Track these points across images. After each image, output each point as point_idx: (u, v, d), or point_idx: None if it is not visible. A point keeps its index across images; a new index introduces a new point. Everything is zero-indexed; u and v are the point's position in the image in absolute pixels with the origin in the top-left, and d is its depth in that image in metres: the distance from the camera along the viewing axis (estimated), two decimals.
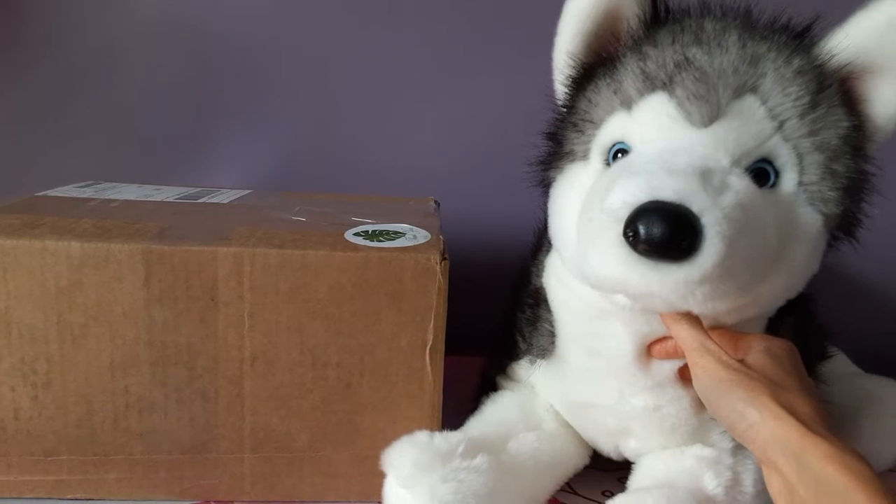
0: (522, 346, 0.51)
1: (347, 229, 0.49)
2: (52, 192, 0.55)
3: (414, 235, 0.49)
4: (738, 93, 0.37)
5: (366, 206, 0.57)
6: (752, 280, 0.36)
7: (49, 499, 0.46)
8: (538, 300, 0.49)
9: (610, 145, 0.41)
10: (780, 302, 0.40)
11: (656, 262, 0.33)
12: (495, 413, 0.51)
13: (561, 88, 0.45)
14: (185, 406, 0.45)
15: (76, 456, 0.46)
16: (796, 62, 0.38)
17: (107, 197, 0.55)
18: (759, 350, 0.38)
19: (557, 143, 0.44)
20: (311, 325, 0.45)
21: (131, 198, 0.55)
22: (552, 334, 0.48)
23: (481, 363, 0.56)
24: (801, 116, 0.37)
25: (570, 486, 0.50)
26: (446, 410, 0.48)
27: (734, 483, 0.43)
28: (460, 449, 0.42)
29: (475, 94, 0.73)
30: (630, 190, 0.34)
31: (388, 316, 0.45)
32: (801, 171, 0.38)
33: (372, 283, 0.45)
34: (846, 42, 0.38)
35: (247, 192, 0.62)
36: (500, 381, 0.54)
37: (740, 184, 0.36)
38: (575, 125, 0.43)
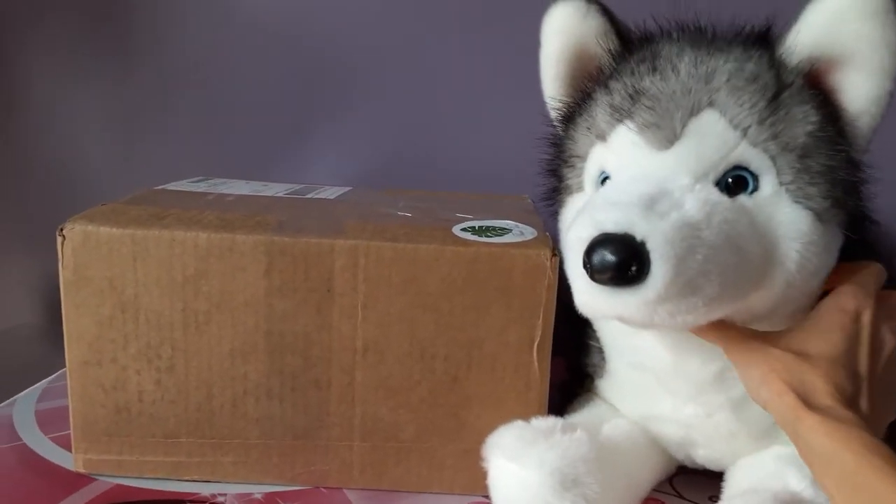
0: (580, 365, 0.52)
1: (454, 225, 0.49)
2: (169, 187, 0.58)
3: (521, 231, 0.49)
4: (695, 111, 0.38)
5: (465, 202, 0.58)
6: (725, 291, 0.36)
7: (168, 479, 0.48)
8: (584, 320, 0.48)
9: (597, 175, 0.43)
10: (782, 300, 0.40)
11: (613, 288, 0.35)
12: (585, 406, 0.51)
13: (551, 127, 0.48)
14: (300, 394, 0.47)
15: (195, 439, 0.48)
16: (749, 68, 0.39)
17: (221, 192, 0.57)
18: (799, 325, 0.39)
19: (557, 178, 0.47)
20: (421, 318, 0.46)
21: (244, 193, 0.57)
22: (601, 352, 0.49)
23: (563, 373, 0.55)
24: (761, 122, 0.38)
25: (674, 489, 0.50)
26: (551, 409, 0.48)
27: None
28: (559, 426, 0.44)
29: None
30: (581, 226, 0.37)
31: (497, 311, 0.46)
32: (778, 172, 0.38)
33: (481, 277, 0.45)
34: (799, 39, 0.39)
35: (348, 188, 0.63)
36: (578, 393, 0.53)
37: (699, 197, 0.37)
38: (566, 161, 0.46)
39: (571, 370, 0.54)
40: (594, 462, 0.42)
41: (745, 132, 0.38)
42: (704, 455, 0.47)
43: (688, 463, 0.49)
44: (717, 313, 0.38)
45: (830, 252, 0.40)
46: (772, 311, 0.40)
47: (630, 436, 0.48)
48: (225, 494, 0.47)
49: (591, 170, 0.44)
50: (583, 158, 0.44)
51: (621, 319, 0.37)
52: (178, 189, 0.57)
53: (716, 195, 0.38)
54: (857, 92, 0.39)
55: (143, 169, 0.77)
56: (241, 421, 0.47)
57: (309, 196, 0.58)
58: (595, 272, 0.35)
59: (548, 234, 0.48)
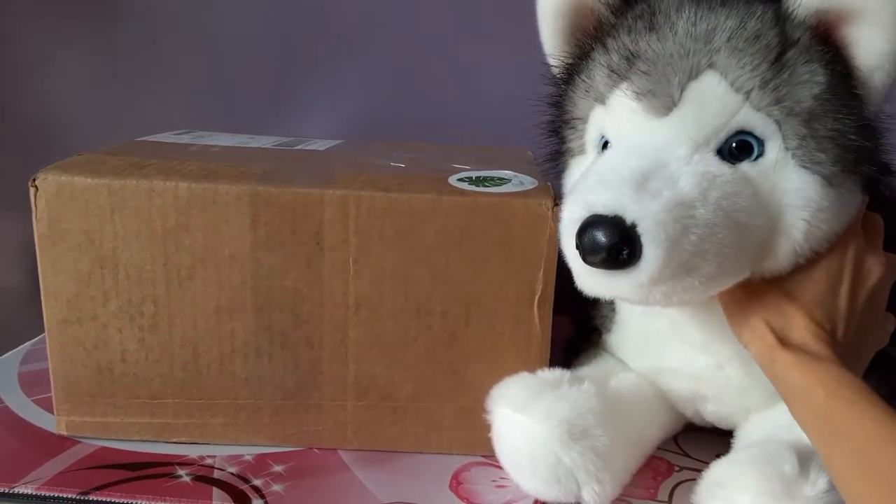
0: (588, 318, 0.51)
1: (450, 175, 0.47)
2: (150, 138, 0.55)
3: (520, 182, 0.46)
4: (694, 74, 0.36)
5: (462, 154, 0.55)
6: (724, 268, 0.35)
7: (155, 441, 0.46)
8: None
9: (598, 138, 0.41)
10: (791, 265, 0.38)
11: (605, 271, 0.35)
12: (592, 360, 0.50)
13: (552, 87, 0.45)
14: (290, 352, 0.45)
15: (182, 399, 0.46)
16: (750, 26, 0.36)
17: (205, 143, 0.55)
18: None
19: (559, 140, 0.45)
20: (416, 273, 0.44)
21: (229, 144, 0.55)
22: (611, 304, 0.48)
23: (569, 330, 0.54)
24: (763, 85, 0.36)
25: (680, 447, 0.48)
26: (555, 366, 0.45)
27: None
28: (566, 378, 0.43)
29: None
30: (572, 208, 0.36)
31: (496, 264, 0.44)
32: (784, 137, 0.36)
33: (479, 229, 0.43)
34: None
35: (339, 141, 0.60)
36: (584, 349, 0.52)
37: (696, 171, 0.35)
38: (567, 123, 0.44)
39: (577, 324, 0.53)
40: (603, 414, 0.41)
41: (747, 95, 0.36)
42: (714, 411, 0.46)
43: (696, 420, 0.48)
44: (719, 288, 0.37)
45: (844, 214, 0.38)
46: (781, 271, 0.39)
47: (638, 390, 0.47)
48: (214, 456, 0.45)
49: (592, 133, 0.42)
50: (584, 121, 0.42)
51: (618, 299, 0.37)
52: (161, 140, 0.54)
53: (715, 166, 0.36)
54: (869, 47, 0.36)
55: (127, 123, 0.74)
56: (230, 380, 0.45)
57: (298, 148, 0.55)
58: (586, 254, 0.35)
59: (549, 183, 0.46)
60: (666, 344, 0.45)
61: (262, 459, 0.45)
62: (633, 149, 0.37)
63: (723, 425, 0.47)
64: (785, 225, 0.36)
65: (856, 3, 0.35)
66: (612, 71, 0.39)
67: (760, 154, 0.37)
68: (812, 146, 0.36)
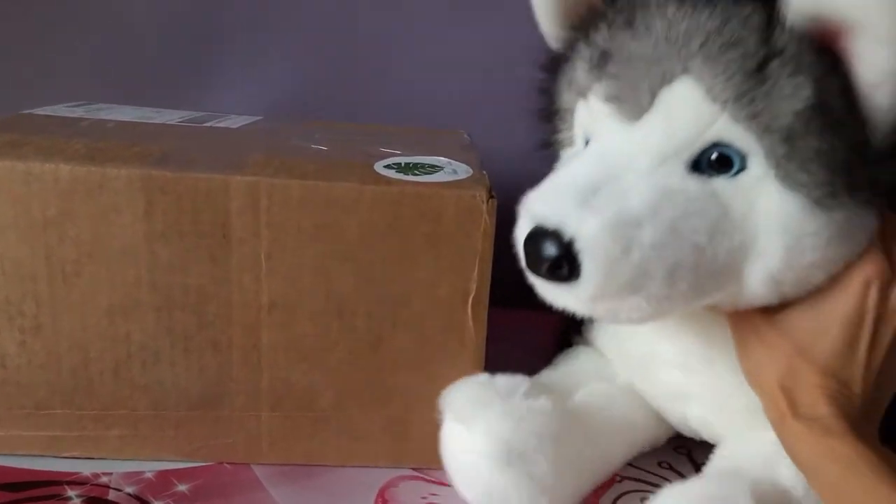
0: None
1: (377, 161, 0.43)
2: (38, 111, 0.49)
3: (454, 170, 0.43)
4: (668, 79, 0.33)
5: (392, 136, 0.51)
6: (677, 289, 0.33)
7: (43, 456, 0.41)
8: None
9: (584, 134, 0.39)
10: (774, 293, 0.35)
11: (550, 283, 0.34)
12: (566, 363, 0.47)
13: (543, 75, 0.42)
14: (194, 356, 0.40)
15: (72, 410, 0.41)
16: (729, 30, 0.32)
17: (100, 118, 0.49)
18: (812, 296, 0.35)
19: (552, 129, 0.42)
20: (337, 270, 0.40)
21: (128, 119, 0.49)
22: None
23: (557, 322, 0.51)
24: (738, 98, 0.32)
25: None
26: (489, 369, 0.42)
27: None
28: (522, 389, 0.41)
29: (509, 13, 0.65)
30: (521, 217, 0.35)
31: (426, 261, 0.40)
32: (765, 153, 0.33)
33: (407, 222, 0.39)
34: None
35: (257, 118, 0.55)
36: (577, 340, 0.50)
37: (654, 185, 0.33)
38: (557, 113, 0.42)
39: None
40: (550, 438, 0.39)
41: (724, 106, 0.32)
42: (699, 416, 0.43)
43: (682, 428, 0.45)
44: (679, 308, 0.35)
45: (846, 240, 0.34)
46: (776, 299, 0.36)
47: (606, 406, 0.44)
48: (110, 473, 0.41)
49: (577, 126, 0.40)
50: (571, 112, 0.40)
51: (567, 311, 0.35)
52: (50, 114, 0.48)
53: (679, 181, 0.33)
54: (870, 62, 0.32)
55: (18, 93, 0.66)
56: (127, 389, 0.41)
57: (207, 125, 0.50)
58: (529, 265, 0.34)
59: (485, 172, 0.42)
60: (659, 329, 0.43)
61: (164, 477, 0.41)
62: (598, 155, 0.35)
63: (706, 435, 0.44)
64: (760, 249, 0.33)
65: (851, 13, 0.31)
66: (592, 66, 0.36)
67: (742, 169, 0.33)
68: (793, 166, 0.32)
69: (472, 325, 0.41)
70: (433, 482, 0.43)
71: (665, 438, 0.47)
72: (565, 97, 0.40)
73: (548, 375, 0.46)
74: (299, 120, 0.56)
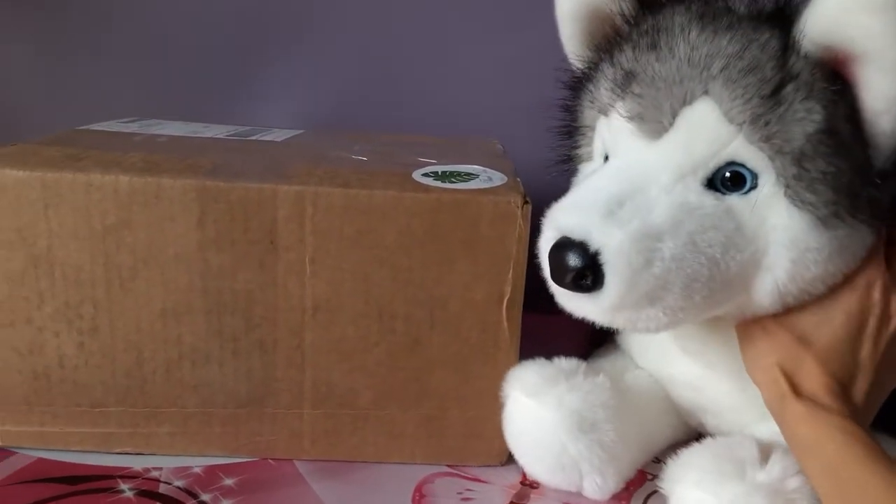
0: None
1: (415, 170, 0.44)
2: (93, 127, 0.51)
3: (489, 177, 0.44)
4: (689, 100, 0.35)
5: (428, 146, 0.53)
6: (691, 301, 0.34)
7: (97, 452, 0.43)
8: None
9: (602, 149, 0.41)
10: (776, 306, 0.36)
11: (572, 293, 0.35)
12: (608, 353, 0.49)
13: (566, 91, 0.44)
14: (242, 357, 0.42)
15: (125, 408, 0.43)
16: (749, 55, 0.34)
17: (153, 132, 0.51)
18: (813, 305, 0.37)
19: (571, 144, 0.44)
20: (377, 274, 0.41)
21: (179, 134, 0.51)
22: None
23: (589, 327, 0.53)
24: (754, 120, 0.34)
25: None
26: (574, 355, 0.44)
27: None
28: (582, 368, 0.43)
29: (540, 28, 0.67)
30: (547, 227, 0.36)
31: (462, 265, 0.41)
32: (776, 173, 0.34)
33: (445, 228, 0.41)
34: (810, 26, 0.33)
35: (299, 131, 0.57)
36: (607, 341, 0.51)
37: (674, 201, 0.34)
38: (578, 129, 0.43)
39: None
40: (614, 409, 0.41)
41: (740, 127, 0.34)
42: (714, 424, 0.45)
43: (702, 430, 0.47)
44: (692, 319, 0.37)
45: (845, 255, 0.36)
46: (779, 309, 0.37)
47: (651, 389, 0.46)
48: (160, 468, 0.43)
49: (597, 142, 0.41)
50: (592, 129, 0.41)
51: (586, 318, 0.36)
52: (105, 129, 0.51)
53: (697, 196, 0.35)
54: (875, 90, 0.33)
55: (75, 110, 0.69)
56: (177, 388, 0.42)
57: (253, 138, 0.52)
58: (553, 275, 0.35)
59: (519, 180, 0.44)
60: (668, 352, 0.45)
61: (211, 471, 0.43)
62: (620, 170, 0.37)
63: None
64: (769, 262, 0.35)
65: (859, 43, 0.33)
66: (616, 85, 0.37)
67: (753, 187, 0.35)
68: (802, 186, 0.34)
69: (507, 326, 0.43)
70: (468, 479, 0.44)
71: (696, 431, 0.48)
72: (587, 114, 0.41)
73: (595, 362, 0.48)
74: (340, 132, 0.58)
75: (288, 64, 0.68)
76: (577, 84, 0.42)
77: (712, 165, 0.35)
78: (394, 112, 0.69)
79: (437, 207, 0.41)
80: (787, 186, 0.34)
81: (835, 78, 0.34)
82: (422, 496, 0.42)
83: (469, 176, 0.44)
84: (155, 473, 0.42)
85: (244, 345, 0.42)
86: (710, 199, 0.35)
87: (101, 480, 0.41)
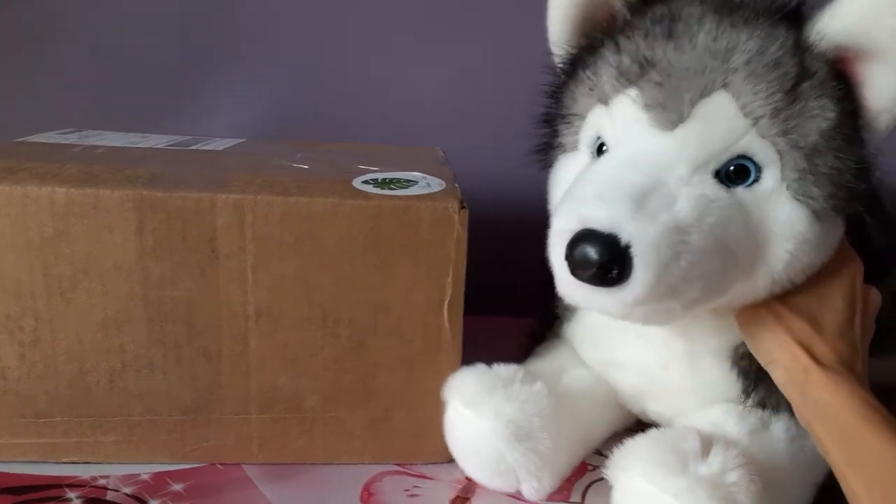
0: (552, 306, 0.51)
1: (355, 177, 0.45)
2: (31, 139, 0.51)
3: (427, 184, 0.45)
4: (707, 92, 0.35)
5: (370, 154, 0.54)
6: (706, 294, 0.35)
7: (44, 462, 0.43)
8: None
9: (594, 139, 0.40)
10: (765, 295, 0.39)
11: (591, 286, 0.34)
12: (548, 353, 0.51)
13: (552, 77, 0.43)
14: (186, 365, 0.42)
15: (70, 417, 0.43)
16: (771, 51, 0.35)
17: (91, 143, 0.51)
18: (812, 281, 0.39)
19: (551, 132, 0.43)
20: (319, 280, 0.42)
21: (118, 144, 0.51)
22: None
23: (532, 322, 0.55)
24: (774, 115, 0.35)
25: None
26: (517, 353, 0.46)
27: (761, 427, 0.42)
28: (519, 375, 0.44)
29: (485, 35, 0.68)
30: (566, 218, 0.35)
31: (403, 270, 0.42)
32: (783, 168, 0.36)
33: (385, 234, 0.42)
34: (833, 24, 0.35)
35: (241, 140, 0.57)
36: (548, 336, 0.53)
37: (693, 193, 0.34)
38: (563, 117, 0.42)
39: (542, 314, 0.53)
40: (550, 417, 0.43)
41: (755, 121, 0.35)
42: (657, 411, 0.47)
43: (643, 418, 0.49)
44: (696, 311, 0.37)
45: (826, 247, 0.38)
46: (766, 297, 0.39)
47: (589, 389, 0.48)
48: (108, 476, 0.43)
49: (588, 131, 0.40)
50: (581, 117, 0.41)
51: (597, 312, 0.36)
52: (42, 141, 0.50)
53: (712, 189, 0.35)
54: (882, 89, 0.36)
55: (13, 122, 0.68)
56: (121, 396, 0.43)
57: (193, 148, 0.52)
58: (575, 268, 0.34)
59: (457, 185, 0.45)
60: (619, 338, 0.46)
61: (159, 478, 0.43)
62: (633, 161, 0.36)
63: (664, 425, 0.47)
64: (768, 254, 0.36)
65: (879, 42, 0.34)
66: (622, 73, 0.37)
67: (756, 180, 0.36)
68: (809, 181, 0.36)
69: (449, 327, 0.44)
70: (415, 476, 0.45)
71: (634, 420, 0.50)
72: (581, 102, 0.40)
73: (533, 364, 0.49)
74: (283, 141, 0.59)
75: (232, 73, 0.68)
76: (569, 70, 0.42)
77: (724, 158, 0.36)
78: (339, 121, 0.69)
79: (376, 214, 0.41)
80: (795, 181, 0.36)
81: (841, 77, 0.36)
82: (370, 494, 0.43)
83: (409, 183, 0.45)
84: (102, 481, 0.42)
85: (187, 352, 0.42)
86: (722, 192, 0.35)
87: (49, 490, 0.41)
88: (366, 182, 0.44)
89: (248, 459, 0.45)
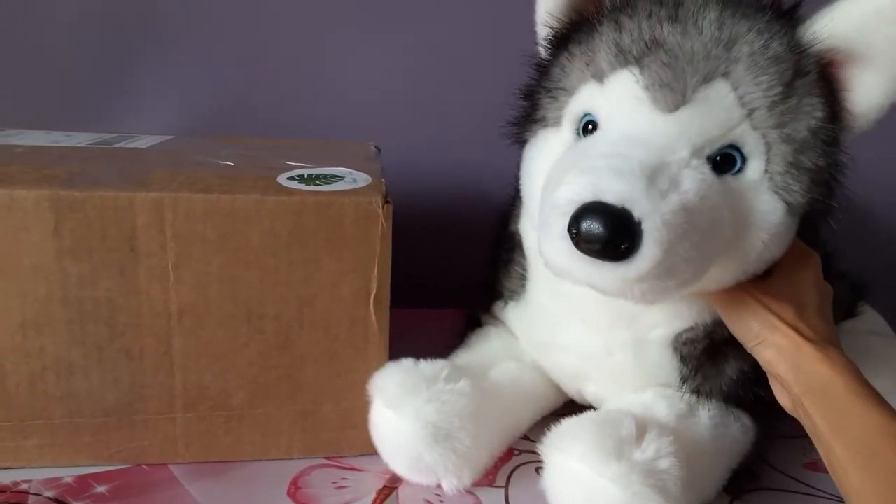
0: (498, 287, 0.52)
1: (281, 173, 0.45)
2: None
3: (353, 179, 0.46)
4: (708, 78, 0.36)
5: (300, 150, 0.54)
6: (696, 276, 0.36)
7: None
8: (513, 245, 0.50)
9: (581, 116, 0.40)
10: (731, 283, 0.40)
11: (595, 259, 0.34)
12: (479, 344, 0.52)
13: (539, 49, 0.43)
14: (108, 366, 0.42)
15: None
16: (773, 46, 0.36)
17: (10, 142, 0.50)
18: (784, 273, 0.41)
19: (532, 105, 0.43)
20: (244, 276, 0.42)
21: (38, 143, 0.50)
22: (523, 277, 0.50)
23: (469, 305, 0.56)
24: (771, 107, 0.36)
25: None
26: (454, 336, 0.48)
27: (689, 413, 0.44)
28: (444, 374, 0.44)
29: (418, 27, 0.69)
30: (576, 188, 0.34)
31: (328, 264, 0.43)
32: (768, 160, 0.37)
33: (309, 229, 0.42)
34: (830, 27, 0.37)
35: (168, 137, 0.57)
36: (485, 319, 0.54)
37: (695, 176, 0.35)
38: (548, 90, 0.42)
39: (483, 294, 0.54)
40: (470, 416, 0.44)
41: (751, 113, 0.36)
42: (594, 392, 0.48)
43: (577, 398, 0.50)
44: (681, 293, 0.38)
45: (788, 240, 0.39)
46: (731, 284, 0.40)
47: (516, 381, 0.49)
48: (30, 481, 0.42)
49: (574, 108, 0.40)
50: (569, 93, 0.40)
51: (592, 287, 0.36)
52: None
53: (708, 174, 0.36)
54: (865, 94, 0.37)
55: None
56: (42, 400, 0.42)
57: (117, 146, 0.52)
58: (581, 240, 0.33)
59: (383, 180, 0.46)
60: (563, 322, 0.47)
61: (83, 480, 0.42)
62: (634, 139, 0.36)
63: (598, 405, 0.49)
64: (744, 243, 0.37)
65: (873, 49, 0.36)
66: (621, 50, 0.37)
67: (740, 170, 0.37)
68: (793, 175, 0.37)
69: (375, 320, 0.44)
70: (344, 468, 0.46)
71: (562, 403, 0.52)
72: (573, 77, 0.40)
73: (464, 356, 0.50)
74: (211, 137, 0.58)
75: (162, 68, 0.67)
76: (559, 44, 0.42)
77: (717, 145, 0.36)
78: (270, 115, 0.69)
79: (300, 209, 0.42)
80: (780, 174, 0.37)
81: (826, 78, 0.37)
82: (297, 488, 0.44)
83: (334, 178, 0.46)
84: (24, 486, 0.42)
85: (109, 353, 0.42)
86: (714, 178, 0.36)
87: None
88: (291, 178, 0.44)
89: (174, 459, 0.45)
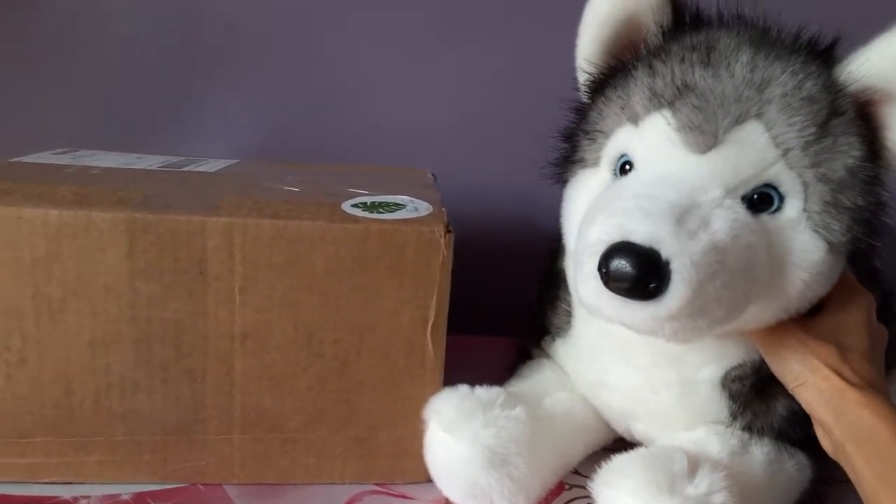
0: (545, 322, 0.52)
1: (344, 200, 0.46)
2: (26, 159, 0.52)
3: (415, 207, 0.46)
4: (741, 120, 0.36)
5: (360, 176, 0.55)
6: (730, 315, 0.36)
7: (24, 483, 0.43)
8: (558, 281, 0.50)
9: (617, 157, 0.41)
10: (772, 321, 0.40)
11: (624, 298, 0.34)
12: (531, 375, 0.52)
13: (578, 93, 0.45)
14: (171, 386, 0.43)
15: (53, 438, 0.43)
16: (807, 87, 0.37)
17: (86, 164, 0.51)
18: (831, 311, 0.41)
19: (572, 147, 0.44)
20: (306, 301, 0.43)
21: (112, 165, 0.52)
22: (569, 314, 0.49)
23: (518, 338, 0.56)
24: (805, 147, 0.36)
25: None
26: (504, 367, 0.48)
27: (742, 450, 0.43)
28: (500, 399, 0.45)
29: (476, 59, 0.70)
30: (605, 229, 0.35)
31: (389, 291, 0.43)
32: (806, 199, 0.37)
33: (372, 256, 0.43)
34: (867, 66, 0.37)
35: (233, 161, 0.59)
36: (535, 353, 0.54)
37: (727, 216, 0.35)
38: (587, 133, 0.43)
39: (532, 329, 0.55)
40: (526, 443, 0.43)
41: (785, 153, 0.36)
42: (643, 430, 0.48)
43: (627, 437, 0.50)
44: (716, 332, 0.38)
45: (832, 279, 0.39)
46: (773, 323, 0.40)
47: (570, 412, 0.49)
48: (89, 497, 0.43)
49: (611, 150, 0.41)
50: (606, 135, 0.41)
51: (623, 325, 0.36)
52: (37, 161, 0.51)
53: (742, 213, 0.36)
54: None
55: (7, 141, 0.68)
56: (105, 417, 0.43)
57: (186, 169, 0.53)
58: (611, 280, 0.34)
59: (444, 209, 0.46)
60: (608, 360, 0.47)
61: (141, 498, 0.43)
62: (666, 180, 0.37)
63: (648, 444, 0.47)
64: (784, 282, 0.37)
65: None
66: (655, 94, 0.38)
67: (777, 209, 0.37)
68: (832, 214, 0.37)
69: (432, 349, 0.45)
70: (395, 496, 0.46)
71: (613, 438, 0.51)
72: (609, 120, 0.41)
73: (517, 385, 0.50)
74: (275, 162, 0.60)
75: (225, 94, 0.70)
76: (597, 88, 0.43)
77: (752, 185, 0.37)
78: (330, 143, 0.71)
79: (364, 237, 0.42)
80: (818, 213, 0.37)
81: (865, 117, 0.38)
82: None
83: (397, 206, 0.46)
84: (83, 502, 0.42)
85: (173, 373, 0.43)
86: (750, 217, 0.36)
87: None
88: (355, 206, 0.45)
89: (229, 480, 0.45)
